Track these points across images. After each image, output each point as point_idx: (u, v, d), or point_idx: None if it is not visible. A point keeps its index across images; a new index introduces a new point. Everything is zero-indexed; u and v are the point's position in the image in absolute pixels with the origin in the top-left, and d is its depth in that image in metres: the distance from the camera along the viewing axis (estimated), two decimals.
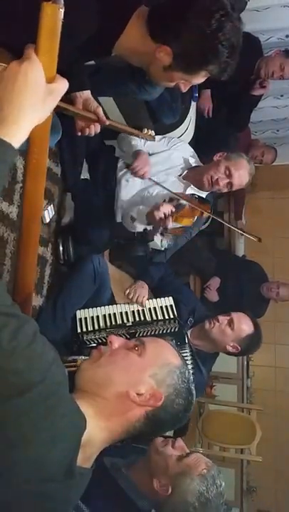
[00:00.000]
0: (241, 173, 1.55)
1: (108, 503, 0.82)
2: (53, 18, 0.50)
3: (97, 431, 0.59)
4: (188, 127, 1.89)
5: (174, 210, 1.37)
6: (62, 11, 0.50)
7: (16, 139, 0.50)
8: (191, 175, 1.62)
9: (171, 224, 1.36)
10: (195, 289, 2.52)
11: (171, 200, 1.48)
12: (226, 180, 1.55)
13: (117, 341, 0.67)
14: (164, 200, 1.45)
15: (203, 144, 2.01)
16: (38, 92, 0.52)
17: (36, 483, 0.52)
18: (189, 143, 1.93)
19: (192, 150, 1.72)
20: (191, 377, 0.67)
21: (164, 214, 1.34)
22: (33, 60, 0.52)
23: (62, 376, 0.56)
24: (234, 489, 2.60)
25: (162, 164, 1.63)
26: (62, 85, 0.55)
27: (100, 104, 1.13)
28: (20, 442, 0.50)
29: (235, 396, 2.75)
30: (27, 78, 0.51)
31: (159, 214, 1.35)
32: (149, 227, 1.47)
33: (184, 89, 0.96)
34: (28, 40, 0.53)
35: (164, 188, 1.53)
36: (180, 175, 1.63)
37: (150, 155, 1.65)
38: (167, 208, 1.35)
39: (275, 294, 2.41)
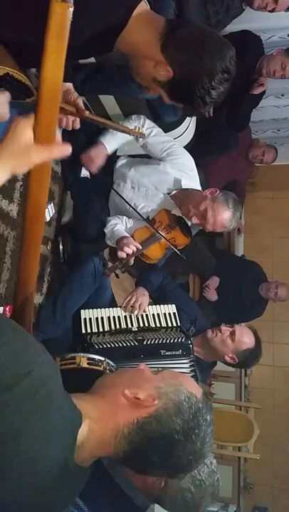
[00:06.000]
0: (217, 221, 1.48)
1: (106, 500, 0.83)
2: (62, 16, 0.50)
3: (90, 433, 0.58)
4: (188, 126, 1.89)
5: (139, 248, 1.41)
6: (71, 9, 0.50)
7: None
8: (179, 197, 1.58)
9: (132, 262, 1.39)
10: (194, 288, 2.53)
11: (152, 221, 1.50)
12: (198, 221, 1.50)
13: (143, 366, 0.68)
14: (133, 235, 1.47)
15: (203, 143, 2.01)
16: (17, 147, 0.59)
17: (31, 479, 0.52)
18: (189, 142, 1.93)
19: (192, 167, 1.65)
20: (208, 419, 0.60)
21: (127, 254, 1.37)
22: (26, 120, 0.59)
23: (51, 370, 0.56)
24: (231, 486, 2.62)
25: (154, 176, 1.60)
26: (47, 153, 0.61)
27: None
28: (12, 438, 0.49)
29: (233, 394, 2.76)
30: (14, 133, 0.59)
31: (122, 254, 1.37)
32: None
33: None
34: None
35: (142, 217, 1.52)
36: (169, 193, 1.60)
37: (144, 156, 1.63)
38: (130, 250, 1.38)
39: (273, 294, 2.41)
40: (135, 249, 1.39)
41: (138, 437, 0.58)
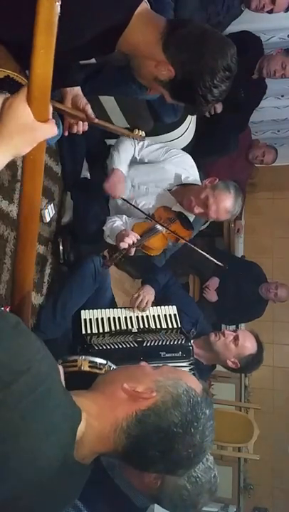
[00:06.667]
0: (220, 207, 1.46)
1: (106, 502, 0.83)
2: (49, 12, 0.50)
3: (90, 429, 0.57)
4: (188, 127, 1.89)
5: (139, 238, 1.40)
6: (58, 4, 0.50)
7: None
8: (180, 192, 1.58)
9: (133, 252, 1.39)
10: (194, 289, 2.53)
11: (152, 216, 1.50)
12: (201, 210, 1.48)
13: (144, 363, 0.67)
14: (132, 228, 1.46)
15: (203, 144, 2.01)
16: (17, 125, 0.56)
17: (30, 477, 0.51)
18: (190, 143, 1.93)
19: (192, 164, 1.66)
20: (207, 413, 0.60)
21: (128, 245, 1.36)
22: (20, 96, 0.56)
23: (50, 367, 0.56)
24: (231, 487, 2.62)
25: (154, 174, 1.60)
26: (49, 129, 0.59)
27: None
28: (11, 436, 0.49)
29: (233, 395, 2.76)
30: (9, 112, 0.56)
31: (123, 245, 1.36)
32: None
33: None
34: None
35: (142, 212, 1.52)
36: (169, 189, 1.59)
37: (145, 162, 1.63)
38: (131, 240, 1.37)
39: (273, 295, 2.42)
40: (135, 240, 1.38)
41: (137, 430, 0.57)
